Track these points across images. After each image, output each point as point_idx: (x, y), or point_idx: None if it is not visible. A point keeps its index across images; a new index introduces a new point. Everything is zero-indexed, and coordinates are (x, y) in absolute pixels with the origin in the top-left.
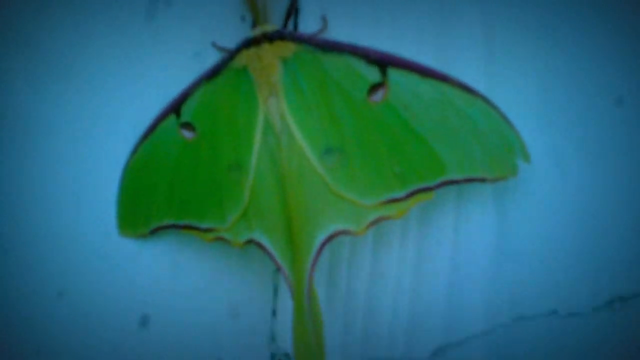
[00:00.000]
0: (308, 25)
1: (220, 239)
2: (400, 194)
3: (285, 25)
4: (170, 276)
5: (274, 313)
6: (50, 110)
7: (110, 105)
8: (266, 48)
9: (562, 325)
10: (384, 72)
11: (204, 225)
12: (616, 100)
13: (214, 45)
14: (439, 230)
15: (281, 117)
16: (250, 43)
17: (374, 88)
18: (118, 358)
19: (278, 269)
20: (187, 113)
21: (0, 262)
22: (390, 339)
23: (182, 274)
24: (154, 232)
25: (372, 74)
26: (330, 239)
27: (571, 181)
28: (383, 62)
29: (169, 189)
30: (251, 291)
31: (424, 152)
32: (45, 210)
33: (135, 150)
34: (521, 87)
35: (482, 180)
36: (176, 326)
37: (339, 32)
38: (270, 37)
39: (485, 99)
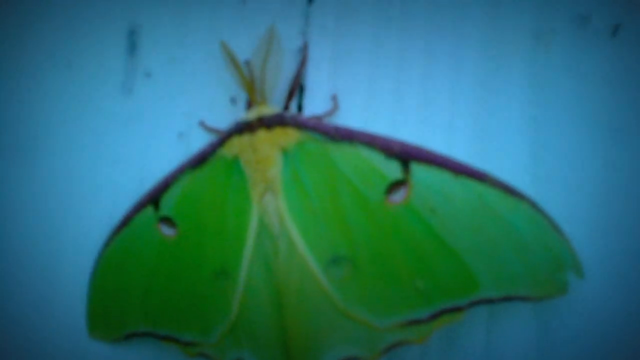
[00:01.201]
0: (316, 105)
1: (203, 356)
2: (424, 314)
3: (286, 106)
4: None
5: None
6: (15, 197)
7: (82, 190)
8: (263, 136)
9: None
10: (406, 167)
11: (185, 338)
12: None
13: (201, 125)
14: (469, 346)
15: (279, 219)
16: (243, 128)
17: (394, 187)
18: None
19: None
20: (167, 206)
21: None
22: None
23: None
24: (129, 337)
25: (392, 170)
26: None
27: (624, 290)
28: (406, 155)
29: (145, 292)
30: None
31: (453, 266)
32: (13, 310)
33: (108, 242)
34: (572, 185)
35: (525, 299)
36: None
37: (352, 116)
38: (267, 123)
39: (532, 203)
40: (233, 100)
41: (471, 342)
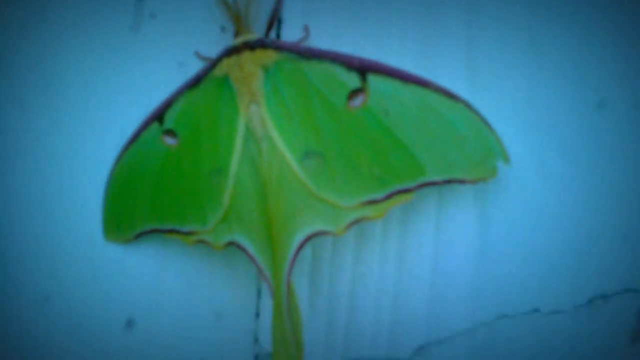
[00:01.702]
0: (291, 34)
1: (202, 242)
2: (380, 195)
3: (267, 34)
4: (155, 280)
5: (257, 315)
6: (37, 120)
7: (97, 114)
8: (247, 56)
9: (544, 323)
10: (364, 78)
11: (186, 228)
12: (598, 103)
13: (196, 54)
14: (421, 231)
15: (262, 124)
16: (231, 52)
17: (354, 94)
18: None
19: (258, 270)
20: (169, 120)
21: None
22: (372, 338)
23: (166, 277)
24: (139, 236)
25: (352, 80)
26: (308, 239)
27: (553, 182)
28: (363, 68)
29: (152, 194)
30: (235, 293)
31: (403, 156)
32: (31, 217)
33: (119, 158)
34: (504, 92)
35: (462, 181)
36: (161, 328)
37: (321, 41)
38: (251, 46)
39: (466, 104)
40: (223, 29)
41: (424, 226)
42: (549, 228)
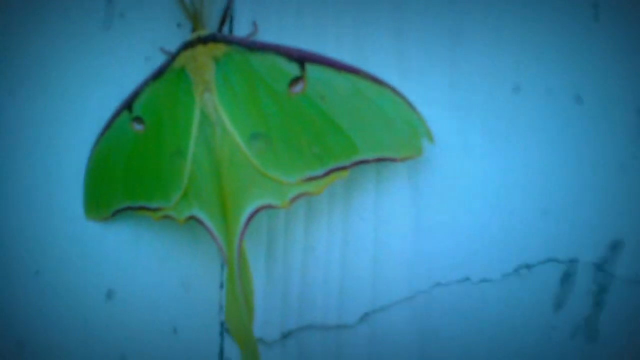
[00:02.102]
0: (241, 30)
1: (167, 217)
2: (319, 172)
3: (220, 30)
4: (131, 255)
5: (221, 285)
6: (21, 110)
7: (74, 105)
8: (200, 49)
9: (474, 291)
10: (302, 67)
11: (153, 205)
12: (513, 88)
13: (161, 50)
14: (362, 207)
15: (215, 110)
16: (187, 46)
17: (294, 82)
18: (88, 328)
19: (214, 240)
20: (137, 108)
21: None
22: (323, 306)
23: (141, 253)
24: (115, 214)
25: (293, 69)
26: (257, 212)
27: (477, 161)
28: (302, 58)
29: (124, 176)
30: (201, 266)
31: (338, 136)
32: (21, 200)
33: (95, 144)
34: (430, 80)
35: (392, 159)
36: (137, 299)
37: (267, 35)
38: (204, 40)
39: (393, 90)
40: (178, 25)
41: (364, 202)
42: (475, 203)
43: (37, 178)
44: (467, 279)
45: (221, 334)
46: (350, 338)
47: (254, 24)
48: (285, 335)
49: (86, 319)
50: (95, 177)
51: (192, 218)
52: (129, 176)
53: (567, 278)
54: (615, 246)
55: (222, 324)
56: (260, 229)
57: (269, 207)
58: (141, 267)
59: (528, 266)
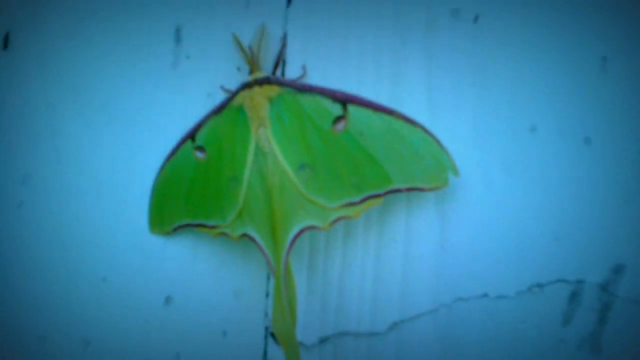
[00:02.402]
0: (292, 73)
1: (222, 234)
2: (356, 199)
3: (273, 72)
4: (188, 265)
5: (267, 294)
6: (97, 138)
7: (143, 134)
8: (257, 90)
9: (492, 306)
10: (344, 107)
11: (211, 223)
12: (530, 128)
13: (221, 88)
14: (394, 230)
15: (268, 142)
16: (245, 86)
17: (337, 120)
18: (147, 329)
19: (263, 255)
20: (200, 139)
21: (60, 250)
22: (357, 315)
23: (197, 263)
24: (176, 229)
25: (336, 109)
26: (302, 232)
27: (496, 191)
28: (344, 100)
29: (186, 197)
30: (250, 278)
31: (374, 168)
32: (94, 215)
33: (162, 168)
34: (456, 119)
35: (422, 189)
36: (192, 304)
37: (315, 78)
38: (260, 82)
39: (423, 128)
40: (238, 68)
41: (396, 225)
42: (494, 228)
43: (109, 196)
44: (486, 295)
45: (265, 338)
46: (380, 344)
47: (304, 68)
48: (323, 340)
49: (146, 321)
50: (160, 196)
51: (244, 235)
52: (191, 197)
53: (574, 297)
54: (618, 270)
55: (266, 329)
56: (303, 247)
57: (312, 228)
58: (197, 277)
59: (540, 285)
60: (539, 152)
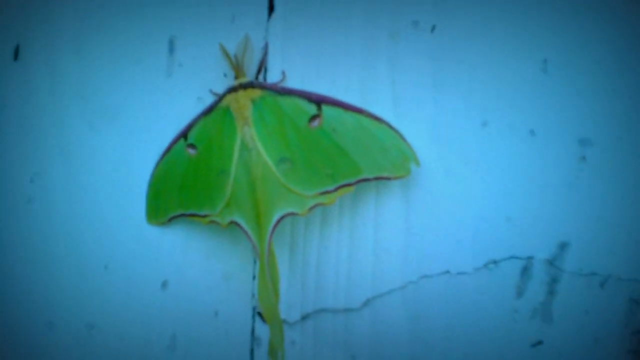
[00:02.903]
0: (273, 77)
1: (213, 222)
2: (331, 188)
3: (256, 77)
4: (182, 253)
5: (254, 277)
6: (99, 139)
7: (140, 135)
8: (241, 93)
9: (453, 281)
10: (319, 107)
11: (202, 212)
12: (482, 123)
13: (210, 91)
14: (364, 215)
15: (251, 139)
16: (231, 90)
17: (313, 118)
18: (146, 312)
19: (250, 240)
20: (191, 137)
21: (65, 241)
22: (334, 293)
23: (190, 251)
24: (171, 220)
25: (312, 109)
26: (282, 218)
27: (454, 179)
28: (319, 100)
29: (179, 189)
30: (238, 262)
31: (346, 160)
32: (96, 209)
33: (157, 166)
34: (418, 117)
35: (388, 178)
36: (186, 288)
37: (293, 82)
38: (244, 86)
39: (388, 124)
40: (225, 75)
41: (366, 211)
42: (454, 212)
43: (110, 191)
44: (447, 272)
45: (253, 317)
46: (356, 319)
47: (283, 73)
48: (304, 317)
49: (145, 304)
50: (157, 190)
51: (232, 223)
52: (183, 189)
53: (525, 271)
54: (563, 246)
55: (254, 309)
56: (285, 231)
57: (292, 214)
58: (190, 263)
59: (495, 262)
60: (491, 144)
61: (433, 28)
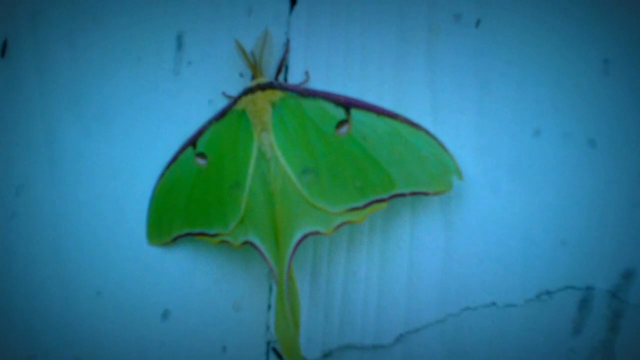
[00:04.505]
0: (295, 78)
1: (224, 242)
2: (360, 203)
3: (276, 78)
4: (187, 278)
5: (269, 307)
6: (95, 144)
7: (143, 141)
8: (259, 95)
9: (500, 315)
10: (348, 111)
11: (212, 231)
12: (534, 132)
13: (223, 94)
14: (398, 236)
15: (270, 147)
16: (247, 91)
17: (340, 124)
18: (144, 346)
19: (266, 263)
20: (201, 145)
21: (53, 263)
22: (362, 327)
23: (196, 276)
24: (175, 239)
25: (339, 113)
26: (304, 237)
27: (502, 196)
28: (347, 104)
29: (186, 205)
30: (251, 289)
31: (378, 172)
32: (91, 226)
33: (161, 175)
34: (460, 124)
35: (426, 194)
36: (191, 318)
37: (318, 83)
38: (262, 87)
39: (427, 132)
40: (240, 74)
41: (400, 233)
42: (501, 234)
43: (105, 206)
44: (494, 303)
45: (267, 353)
46: (386, 357)
47: (306, 73)
48: (326, 355)
49: (142, 336)
50: (160, 205)
51: (247, 243)
52: (191, 205)
53: (584, 304)
54: (628, 275)
55: (268, 344)
56: (307, 254)
57: (315, 233)
58: (196, 289)
59: (548, 292)
60: (543, 156)
61: (478, 22)
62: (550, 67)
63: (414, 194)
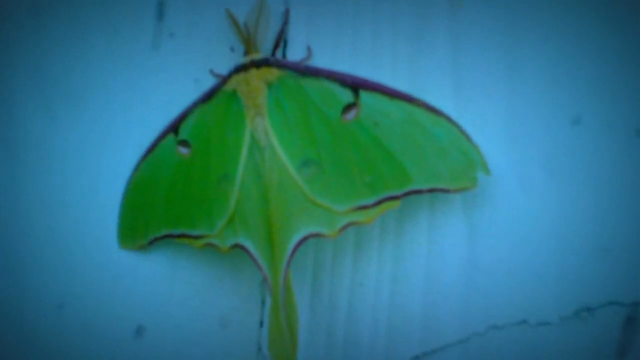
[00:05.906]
0: (295, 54)
1: (209, 245)
2: (370, 201)
3: (273, 54)
4: (165, 288)
5: (261, 324)
6: (60, 130)
7: (116, 127)
8: (253, 73)
9: (532, 334)
10: (356, 94)
11: (196, 232)
12: (572, 120)
13: (211, 72)
14: (414, 241)
15: (265, 134)
16: (239, 69)
17: (347, 108)
18: None
19: (259, 270)
20: (184, 132)
21: (6, 270)
22: (370, 347)
23: (176, 286)
24: (152, 242)
25: (346, 96)
26: (304, 240)
27: (535, 196)
28: (355, 85)
29: (165, 202)
30: (240, 303)
31: (391, 165)
32: (47, 226)
33: (136, 168)
34: (487, 110)
35: (446, 191)
36: (170, 336)
37: (322, 61)
38: (257, 64)
39: (448, 119)
40: (232, 49)
41: (417, 237)
42: (533, 240)
43: (70, 203)
44: (524, 321)
45: None
46: None
47: (308, 49)
48: None
49: (112, 357)
50: (134, 202)
51: (236, 246)
52: (171, 202)
53: (630, 322)
54: None
55: None
56: (307, 261)
57: (317, 235)
58: (175, 301)
59: (589, 309)
60: (583, 148)
61: None
62: (591, 45)
63: (432, 190)
